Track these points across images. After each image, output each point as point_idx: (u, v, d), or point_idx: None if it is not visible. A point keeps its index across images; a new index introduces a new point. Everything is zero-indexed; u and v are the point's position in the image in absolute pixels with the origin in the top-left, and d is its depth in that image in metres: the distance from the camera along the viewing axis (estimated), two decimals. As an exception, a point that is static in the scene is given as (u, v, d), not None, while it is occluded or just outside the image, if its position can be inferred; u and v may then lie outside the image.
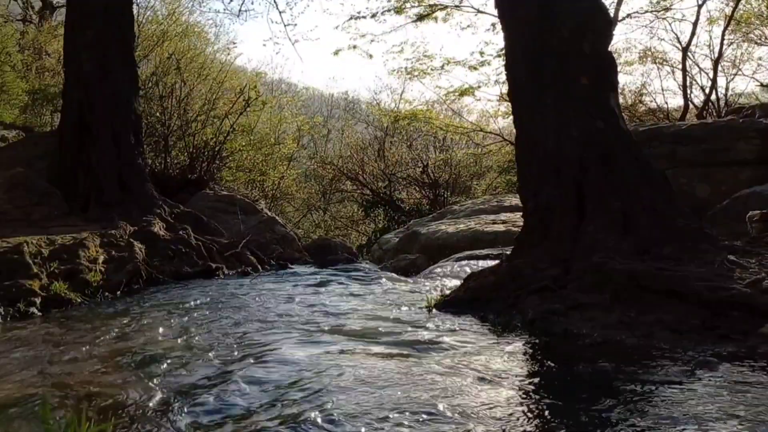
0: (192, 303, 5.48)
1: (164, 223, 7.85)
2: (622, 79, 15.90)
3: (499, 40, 15.85)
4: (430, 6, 15.42)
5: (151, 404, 2.93)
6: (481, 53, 15.88)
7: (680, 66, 15.06)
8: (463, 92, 16.69)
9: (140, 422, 2.72)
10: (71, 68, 8.76)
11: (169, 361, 3.61)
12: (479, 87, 16.50)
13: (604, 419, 2.64)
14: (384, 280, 6.85)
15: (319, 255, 8.85)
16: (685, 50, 14.88)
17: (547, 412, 2.78)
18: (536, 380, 3.28)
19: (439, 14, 15.58)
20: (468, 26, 16.30)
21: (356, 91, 56.14)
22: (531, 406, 2.84)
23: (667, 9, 15.01)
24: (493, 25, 15.17)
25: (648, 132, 8.65)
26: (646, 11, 15.35)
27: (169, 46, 13.23)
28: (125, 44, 8.96)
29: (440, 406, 2.78)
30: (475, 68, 16.13)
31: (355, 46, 16.14)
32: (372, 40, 16.59)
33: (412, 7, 15.40)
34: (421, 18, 15.49)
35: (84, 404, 2.51)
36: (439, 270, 7.17)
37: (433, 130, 16.87)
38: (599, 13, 5.65)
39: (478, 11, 15.62)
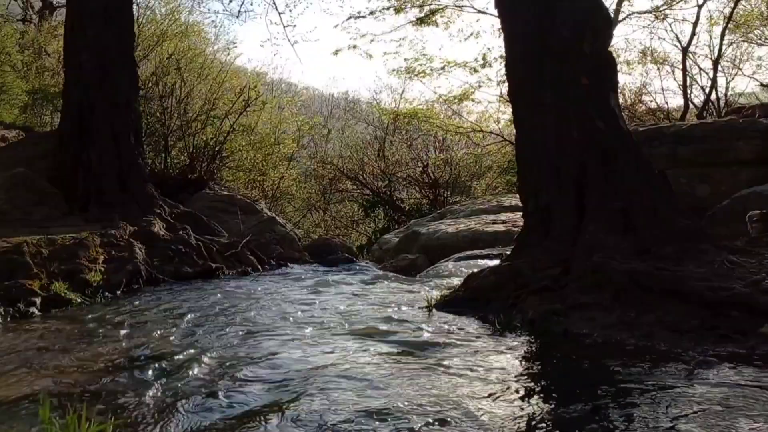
0: (191, 303, 5.48)
1: (164, 223, 7.85)
2: (622, 79, 15.87)
3: (502, 43, 15.72)
4: (431, 11, 15.35)
5: (151, 404, 2.93)
6: (484, 57, 15.86)
7: (680, 66, 15.06)
8: (463, 97, 16.67)
9: (140, 422, 2.72)
10: (71, 68, 8.76)
11: (168, 361, 3.61)
12: (479, 87, 16.51)
13: (605, 419, 2.63)
14: (384, 280, 6.86)
15: (319, 255, 8.85)
16: (685, 50, 14.87)
17: (547, 412, 2.77)
18: (536, 380, 3.28)
19: (440, 19, 15.55)
20: (471, 35, 16.16)
21: (356, 91, 56.15)
22: (531, 406, 2.84)
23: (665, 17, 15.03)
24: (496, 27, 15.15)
25: (648, 132, 8.64)
26: (647, 11, 15.39)
27: (169, 46, 13.23)
28: (125, 44, 8.96)
29: (440, 406, 2.78)
30: (476, 71, 16.13)
31: (355, 46, 16.16)
32: (372, 40, 16.62)
33: (412, 6, 15.38)
34: (421, 22, 15.45)
35: (84, 404, 2.50)
36: (439, 270, 7.16)
37: (434, 129, 16.85)
38: (599, 13, 5.65)
39: (479, 11, 15.63)
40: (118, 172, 8.30)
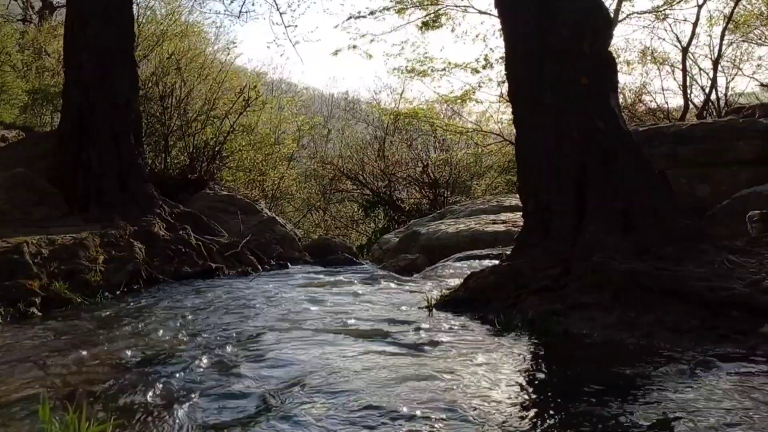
0: (192, 303, 5.48)
1: (164, 223, 7.84)
2: (622, 79, 15.88)
3: (503, 44, 15.83)
4: (436, 13, 15.38)
5: (151, 404, 2.93)
6: (486, 58, 15.90)
7: (680, 66, 15.07)
8: (464, 97, 16.70)
9: (141, 422, 2.72)
10: (71, 68, 8.76)
11: (169, 360, 3.61)
12: (480, 87, 16.54)
13: (604, 419, 2.63)
14: (384, 280, 6.85)
15: (319, 255, 8.85)
16: (685, 50, 14.88)
17: (547, 412, 2.77)
18: (536, 380, 3.28)
19: (444, 21, 15.62)
20: (477, 36, 16.39)
21: (356, 90, 56.25)
22: (531, 406, 2.84)
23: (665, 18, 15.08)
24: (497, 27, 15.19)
25: (648, 132, 8.65)
26: (647, 11, 15.42)
27: (169, 46, 13.23)
28: (125, 44, 8.95)
29: (440, 406, 2.78)
30: (477, 71, 16.16)
31: (355, 46, 16.17)
32: (372, 40, 16.64)
33: (413, 7, 15.39)
34: (425, 26, 15.49)
35: (84, 404, 2.50)
36: (439, 270, 7.16)
37: (434, 129, 16.87)
38: (599, 13, 5.65)
39: (481, 12, 15.64)
40: (118, 172, 8.29)
